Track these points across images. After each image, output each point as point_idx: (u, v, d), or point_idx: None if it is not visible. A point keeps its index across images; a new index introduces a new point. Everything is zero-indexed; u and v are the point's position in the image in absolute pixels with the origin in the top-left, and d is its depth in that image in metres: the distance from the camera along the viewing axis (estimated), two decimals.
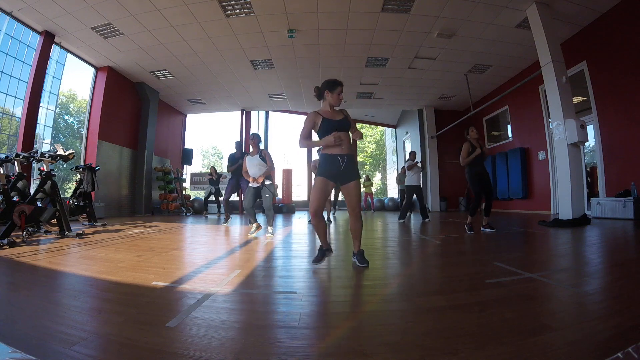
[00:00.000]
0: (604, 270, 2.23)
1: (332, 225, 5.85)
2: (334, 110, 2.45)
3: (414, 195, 6.79)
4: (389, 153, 20.87)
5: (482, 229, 4.43)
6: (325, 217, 6.32)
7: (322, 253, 2.45)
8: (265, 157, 4.39)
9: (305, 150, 13.76)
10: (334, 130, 2.32)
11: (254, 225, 4.39)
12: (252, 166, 4.34)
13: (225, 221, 6.23)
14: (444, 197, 11.65)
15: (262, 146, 4.64)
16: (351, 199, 2.36)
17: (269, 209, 4.39)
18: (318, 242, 2.54)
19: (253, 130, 13.05)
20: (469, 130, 4.48)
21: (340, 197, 8.00)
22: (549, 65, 5.62)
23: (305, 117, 2.44)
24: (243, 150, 6.39)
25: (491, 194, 4.45)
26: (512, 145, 9.69)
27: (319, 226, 2.39)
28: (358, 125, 17.92)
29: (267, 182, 4.37)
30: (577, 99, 6.67)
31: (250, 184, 4.39)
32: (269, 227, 4.37)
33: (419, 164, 6.87)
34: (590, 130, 6.55)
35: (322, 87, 2.44)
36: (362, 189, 12.79)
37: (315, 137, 2.43)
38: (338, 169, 2.33)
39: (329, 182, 2.36)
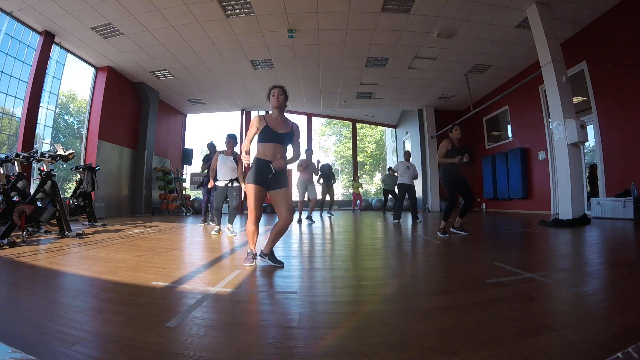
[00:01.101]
0: (604, 270, 2.23)
1: (320, 226, 5.82)
2: (281, 119, 2.45)
3: (406, 194, 6.59)
4: (389, 153, 20.85)
5: (451, 229, 4.21)
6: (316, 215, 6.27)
7: (253, 256, 2.45)
8: (239, 160, 4.55)
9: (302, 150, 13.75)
10: (270, 139, 2.36)
11: (217, 226, 4.62)
12: (224, 165, 4.53)
13: (201, 222, 6.15)
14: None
15: (237, 149, 4.77)
16: (280, 206, 2.38)
17: (233, 209, 4.62)
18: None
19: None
20: (452, 129, 4.18)
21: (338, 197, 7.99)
22: (549, 65, 5.62)
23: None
24: (216, 150, 6.23)
25: (471, 197, 4.13)
26: (512, 145, 9.68)
27: (255, 233, 2.43)
28: (358, 125, 17.95)
29: (235, 184, 4.57)
30: (577, 99, 6.66)
31: (218, 183, 4.60)
32: (229, 226, 4.48)
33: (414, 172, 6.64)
34: (590, 130, 6.54)
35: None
36: (350, 190, 12.76)
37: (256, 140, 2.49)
38: (268, 174, 2.36)
39: (262, 189, 2.37)
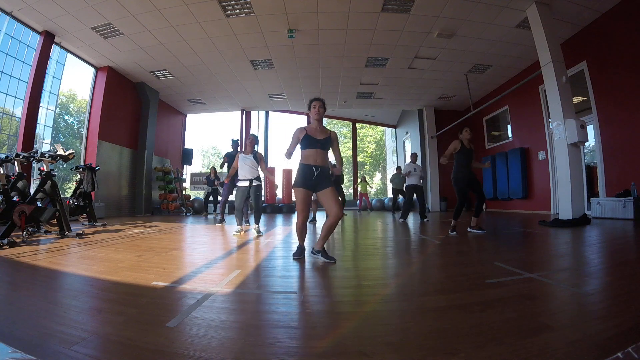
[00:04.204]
0: (604, 271, 2.23)
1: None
2: (319, 129, 2.69)
3: (414, 195, 6.82)
4: (389, 153, 20.88)
5: (468, 229, 4.32)
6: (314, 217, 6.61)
7: (301, 250, 2.72)
8: (259, 159, 4.54)
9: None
10: (313, 145, 2.60)
11: (239, 227, 4.55)
12: (244, 165, 4.50)
13: (219, 222, 6.22)
14: (444, 197, 11.65)
15: (257, 148, 4.79)
16: (329, 205, 2.56)
17: (259, 208, 4.56)
18: (296, 241, 2.82)
19: (253, 130, 13.05)
20: (462, 130, 4.36)
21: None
22: (549, 65, 5.62)
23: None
24: (238, 149, 6.40)
25: (482, 194, 4.27)
26: (512, 145, 9.69)
27: (303, 230, 2.70)
28: (358, 125, 17.96)
29: (256, 183, 4.55)
30: (577, 99, 6.67)
31: (239, 184, 4.56)
32: (256, 226, 4.44)
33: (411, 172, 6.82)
34: (590, 130, 6.55)
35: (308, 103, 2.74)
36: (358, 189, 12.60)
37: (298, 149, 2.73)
38: (311, 177, 2.58)
39: (307, 192, 2.61)
